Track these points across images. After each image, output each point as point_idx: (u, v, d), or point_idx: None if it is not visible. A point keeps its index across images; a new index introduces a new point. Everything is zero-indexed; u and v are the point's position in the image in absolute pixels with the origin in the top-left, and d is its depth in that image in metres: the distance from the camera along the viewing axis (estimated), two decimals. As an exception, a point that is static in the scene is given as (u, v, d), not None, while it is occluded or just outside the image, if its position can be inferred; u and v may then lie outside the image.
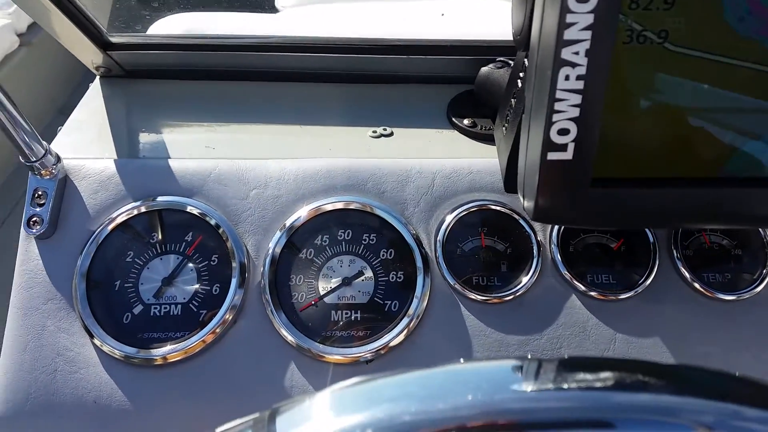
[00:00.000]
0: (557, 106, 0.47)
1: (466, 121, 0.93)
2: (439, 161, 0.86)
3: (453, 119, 0.95)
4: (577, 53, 0.47)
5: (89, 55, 0.97)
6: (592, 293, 0.80)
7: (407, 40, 0.97)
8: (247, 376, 0.74)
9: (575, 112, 0.48)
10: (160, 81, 1.01)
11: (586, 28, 0.46)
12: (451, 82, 1.01)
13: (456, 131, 0.95)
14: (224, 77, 1.01)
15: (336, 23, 1.32)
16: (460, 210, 0.83)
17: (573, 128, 0.48)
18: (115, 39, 0.96)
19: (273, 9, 1.73)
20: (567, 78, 0.47)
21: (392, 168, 0.85)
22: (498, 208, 0.83)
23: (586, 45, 0.46)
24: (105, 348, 0.74)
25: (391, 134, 0.93)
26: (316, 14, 1.49)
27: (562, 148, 0.49)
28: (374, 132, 0.93)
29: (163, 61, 0.99)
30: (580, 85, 0.47)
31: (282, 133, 0.93)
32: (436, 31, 1.15)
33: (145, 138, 0.91)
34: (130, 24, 1.38)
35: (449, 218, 0.82)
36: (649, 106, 0.51)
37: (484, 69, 0.90)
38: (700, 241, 0.85)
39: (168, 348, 0.75)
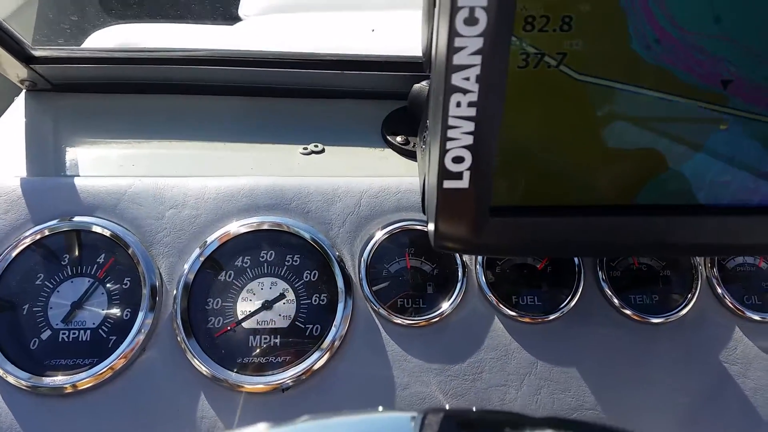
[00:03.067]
0: (450, 133, 0.46)
1: (399, 138, 0.92)
2: (367, 180, 0.84)
3: (387, 136, 0.93)
4: (467, 79, 0.45)
5: (13, 68, 0.93)
6: (517, 316, 0.79)
7: (340, 55, 0.95)
8: (157, 407, 0.71)
9: (469, 140, 0.46)
10: (88, 95, 0.97)
11: (475, 53, 0.44)
12: (386, 98, 1.00)
13: (389, 149, 0.93)
14: (153, 91, 0.98)
15: (276, 36, 1.30)
16: (385, 230, 0.81)
17: (468, 156, 0.47)
18: (38, 53, 0.92)
19: (234, 20, 1.71)
20: (459, 105, 0.46)
21: (318, 186, 0.83)
22: (424, 228, 0.81)
23: (477, 70, 0.45)
24: (7, 377, 0.71)
25: (323, 151, 0.91)
26: (272, 26, 1.47)
27: (458, 176, 0.47)
28: (305, 149, 0.91)
29: (90, 74, 0.96)
30: (472, 112, 0.46)
31: (208, 150, 0.91)
32: (370, 46, 1.13)
33: (64, 155, 0.87)
34: (70, 35, 1.34)
35: (375, 238, 0.81)
36: (548, 133, 0.50)
37: (416, 86, 0.88)
38: (627, 262, 0.84)
39: (76, 376, 0.71)
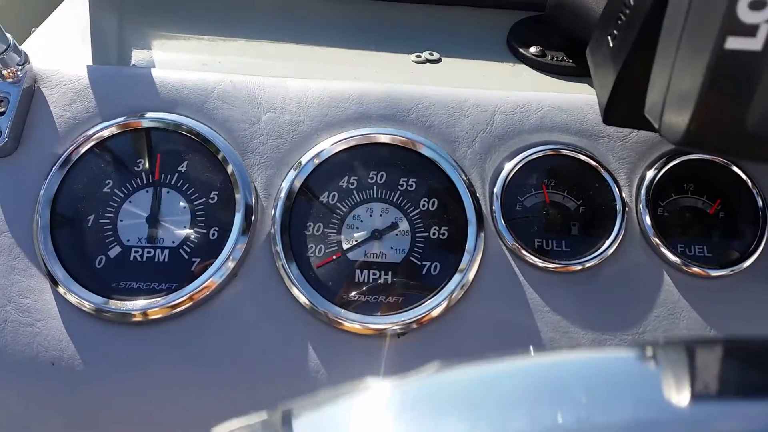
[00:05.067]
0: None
1: (532, 49, 0.76)
2: (500, 93, 0.68)
3: (516, 47, 0.77)
4: None
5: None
6: (687, 268, 0.63)
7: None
8: (245, 340, 0.58)
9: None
10: None
11: None
12: (508, 7, 0.84)
13: (518, 62, 0.77)
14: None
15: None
16: (524, 155, 0.66)
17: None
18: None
19: None
20: None
21: (442, 98, 0.67)
22: (574, 154, 0.66)
23: None
24: (70, 297, 0.58)
25: (439, 60, 0.76)
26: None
27: (750, 31, 0.32)
28: (418, 56, 0.76)
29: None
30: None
31: (304, 55, 0.76)
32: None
33: (135, 47, 0.74)
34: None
35: (510, 164, 0.66)
36: None
37: (562, -17, 0.72)
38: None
39: (149, 301, 0.58)
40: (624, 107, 0.50)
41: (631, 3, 0.48)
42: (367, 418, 0.23)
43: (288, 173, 0.64)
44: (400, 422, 0.22)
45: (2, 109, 0.62)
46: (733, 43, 0.32)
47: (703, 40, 0.34)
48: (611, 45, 0.51)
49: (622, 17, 0.49)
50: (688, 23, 0.36)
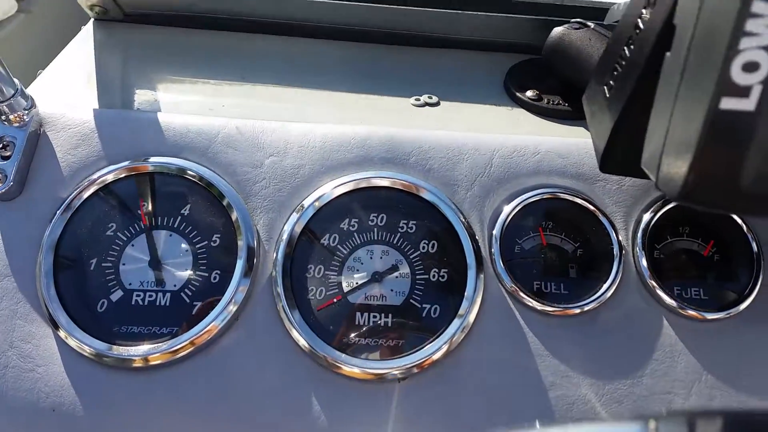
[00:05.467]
0: (750, 25, 0.31)
1: (529, 93, 0.77)
2: (498, 137, 0.70)
3: (513, 91, 0.79)
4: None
5: (83, -10, 0.81)
6: (683, 311, 0.64)
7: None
8: (246, 385, 0.58)
9: (772, 38, 0.32)
10: (163, 28, 0.85)
11: None
12: (505, 50, 0.85)
13: (515, 106, 0.79)
14: (239, 28, 0.85)
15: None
16: (522, 198, 0.67)
17: (766, 63, 0.33)
18: (113, -27, 0.80)
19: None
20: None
21: (442, 141, 0.69)
22: (571, 197, 0.67)
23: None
24: (71, 342, 0.58)
25: (438, 103, 0.78)
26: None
27: (744, 92, 0.33)
28: (417, 100, 0.77)
29: (168, 4, 0.83)
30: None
31: (306, 98, 0.77)
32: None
33: (140, 90, 0.75)
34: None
35: (509, 207, 0.67)
36: None
37: (557, 29, 0.74)
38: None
39: (151, 347, 0.59)
40: (620, 156, 0.51)
41: (628, 55, 0.50)
42: None
43: (290, 216, 0.64)
44: None
45: (8, 153, 0.63)
46: (728, 103, 0.34)
47: (699, 99, 0.35)
48: (607, 95, 0.52)
49: (618, 68, 0.51)
50: (684, 82, 0.37)
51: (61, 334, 0.58)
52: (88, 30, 0.84)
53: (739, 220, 0.67)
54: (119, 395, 0.57)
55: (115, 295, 0.61)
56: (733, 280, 0.67)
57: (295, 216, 0.64)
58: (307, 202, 0.65)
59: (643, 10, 0.47)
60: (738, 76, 0.33)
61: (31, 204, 0.63)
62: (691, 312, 0.64)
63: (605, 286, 0.64)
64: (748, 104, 0.33)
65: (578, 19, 0.75)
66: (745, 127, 0.34)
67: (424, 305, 0.64)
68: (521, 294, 0.64)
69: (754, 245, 0.66)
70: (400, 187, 0.66)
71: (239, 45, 0.83)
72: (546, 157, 0.68)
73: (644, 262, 0.65)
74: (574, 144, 0.69)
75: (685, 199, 0.38)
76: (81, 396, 0.57)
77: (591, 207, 0.67)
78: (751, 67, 0.33)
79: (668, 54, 0.40)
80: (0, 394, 0.57)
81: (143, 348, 0.58)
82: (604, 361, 0.62)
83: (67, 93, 0.72)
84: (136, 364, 0.58)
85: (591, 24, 0.73)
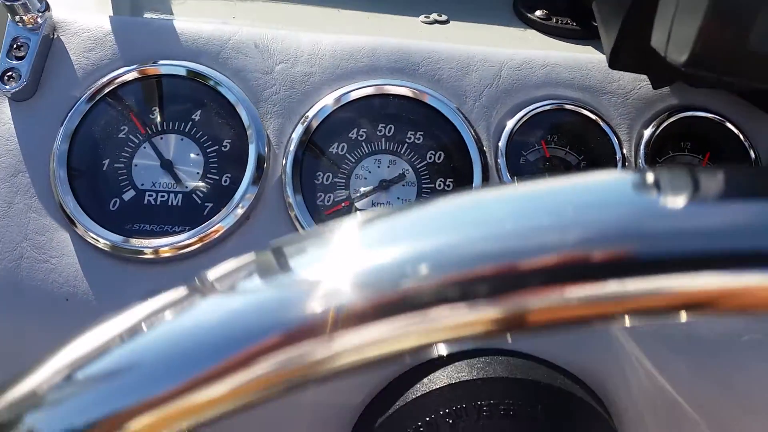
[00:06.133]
0: None
1: (538, 13, 0.77)
2: (508, 50, 0.70)
3: (522, 11, 0.79)
4: None
5: None
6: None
7: None
8: None
9: None
10: None
11: None
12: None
13: (525, 26, 0.79)
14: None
15: None
16: (528, 109, 0.67)
17: None
18: None
19: None
20: None
21: (451, 53, 0.69)
22: (578, 109, 0.68)
23: None
24: (85, 234, 0.60)
25: (447, 21, 0.78)
26: None
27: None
28: (426, 17, 0.77)
29: None
30: None
31: (315, 15, 0.78)
32: None
33: (152, 2, 0.75)
34: None
35: (515, 118, 0.67)
36: None
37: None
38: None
39: (161, 241, 0.60)
40: (629, 51, 0.52)
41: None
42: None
43: (299, 123, 0.65)
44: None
45: (22, 54, 0.64)
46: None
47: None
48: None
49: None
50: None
51: (75, 227, 0.60)
52: None
53: (737, 131, 0.68)
54: (130, 284, 0.59)
55: (128, 194, 0.63)
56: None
57: (303, 123, 0.65)
58: (315, 109, 0.66)
59: None
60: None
61: (45, 103, 0.64)
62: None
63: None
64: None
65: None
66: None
67: (429, 213, 0.65)
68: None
69: (752, 153, 0.67)
70: (408, 95, 0.67)
71: None
72: (554, 70, 0.69)
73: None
74: (582, 58, 0.69)
75: (694, 66, 0.39)
76: (93, 285, 0.59)
77: (596, 118, 0.67)
78: None
79: None
80: (15, 284, 0.58)
81: (155, 242, 0.60)
82: None
83: (81, 1, 0.72)
84: (147, 256, 0.60)
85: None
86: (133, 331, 0.23)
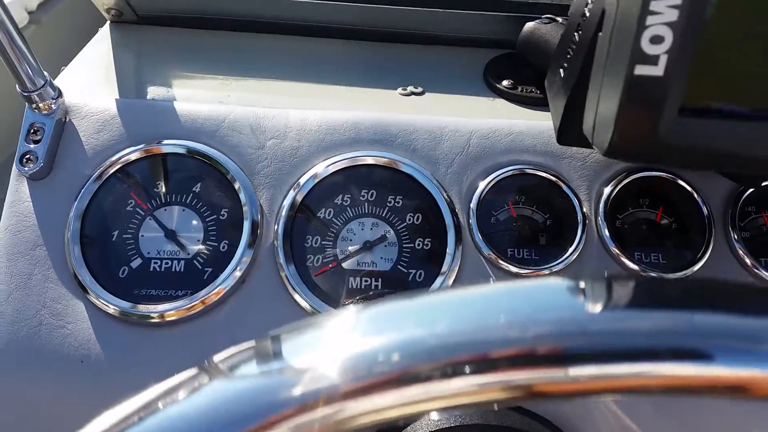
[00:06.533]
0: (653, 5, 0.39)
1: (505, 83, 0.85)
2: (476, 120, 0.78)
3: (491, 81, 0.87)
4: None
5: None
6: (644, 273, 0.72)
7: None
8: (251, 338, 0.66)
9: (673, 15, 0.40)
10: (174, 29, 0.93)
11: None
12: (484, 45, 0.94)
13: (493, 96, 0.87)
14: (243, 28, 0.93)
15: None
16: (496, 174, 0.75)
17: (669, 36, 0.40)
18: (127, -21, 0.88)
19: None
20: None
21: (425, 125, 0.77)
22: (540, 173, 0.75)
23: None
24: (97, 302, 0.66)
25: (423, 93, 0.86)
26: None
27: (653, 60, 0.41)
28: (404, 90, 0.85)
29: (177, 7, 0.92)
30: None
31: (302, 91, 0.86)
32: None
33: (154, 83, 0.83)
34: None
35: (484, 182, 0.74)
36: (760, 29, 0.43)
37: (529, 24, 0.82)
38: (758, 222, 0.77)
39: (167, 305, 0.66)
40: (573, 129, 0.59)
41: (577, 40, 0.58)
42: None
43: (289, 192, 0.72)
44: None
45: (38, 138, 0.71)
46: (641, 69, 0.42)
47: (619, 68, 0.43)
48: (562, 76, 0.60)
49: (570, 52, 0.59)
50: (609, 57, 0.45)
51: (88, 295, 0.66)
52: (105, 31, 0.93)
53: (690, 189, 0.75)
54: (139, 347, 0.65)
55: (135, 262, 0.69)
56: (689, 244, 0.75)
57: (293, 192, 0.72)
58: (303, 179, 0.73)
59: (589, 0, 0.55)
60: (647, 47, 0.41)
61: (58, 182, 0.71)
62: (651, 274, 0.72)
63: (570, 250, 0.72)
64: (657, 70, 0.41)
65: (548, 15, 0.83)
66: (656, 89, 0.42)
67: (410, 270, 0.72)
68: (498, 260, 0.71)
69: (705, 210, 0.74)
70: (386, 165, 0.74)
71: (243, 43, 0.92)
72: (518, 138, 0.76)
73: (606, 231, 0.73)
74: (543, 126, 0.77)
75: (612, 155, 0.46)
76: (105, 348, 0.65)
77: (558, 181, 0.74)
78: (657, 39, 0.41)
79: (600, 34, 0.47)
80: (35, 348, 0.64)
81: (160, 307, 0.66)
82: None
83: (89, 85, 0.80)
84: (154, 320, 0.66)
85: (560, 19, 0.82)
86: (150, 410, 0.29)
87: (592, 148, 0.57)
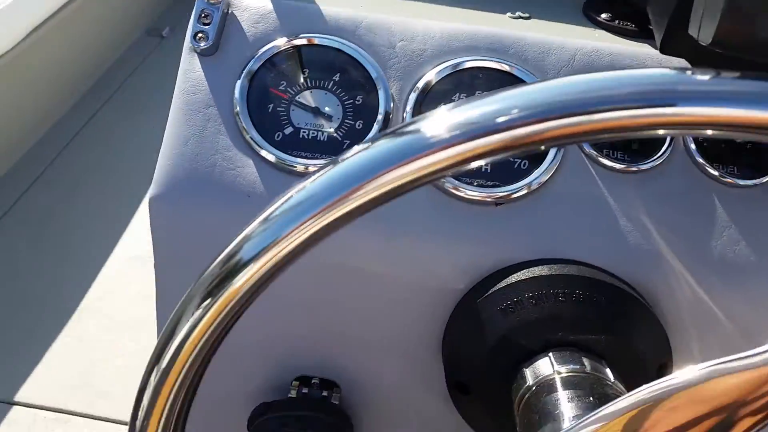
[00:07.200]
0: None
1: (604, 15, 0.96)
2: (580, 41, 0.88)
3: (591, 14, 0.98)
4: None
5: None
6: (723, 179, 0.81)
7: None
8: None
9: None
10: None
11: None
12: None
13: (592, 26, 0.97)
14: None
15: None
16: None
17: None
18: None
19: None
20: None
21: (534, 41, 0.88)
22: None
23: None
24: (261, 151, 0.79)
25: (529, 18, 0.97)
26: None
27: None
28: (512, 14, 0.97)
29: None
30: None
31: (422, 10, 0.97)
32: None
33: None
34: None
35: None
36: None
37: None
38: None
39: (312, 162, 0.80)
40: (677, 37, 0.69)
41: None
42: None
43: (416, 84, 0.84)
44: None
45: (208, 21, 0.84)
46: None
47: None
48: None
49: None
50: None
51: (253, 146, 0.79)
52: None
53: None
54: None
55: (287, 129, 0.82)
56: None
57: (420, 84, 0.84)
58: (428, 76, 0.84)
59: None
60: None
61: (224, 61, 0.84)
62: (728, 179, 0.82)
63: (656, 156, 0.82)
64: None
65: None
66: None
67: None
68: (598, 157, 0.82)
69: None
70: (501, 69, 0.85)
71: None
72: (617, 58, 0.87)
73: (692, 144, 0.83)
74: (641, 51, 0.87)
75: (718, 45, 0.57)
76: (267, 188, 0.79)
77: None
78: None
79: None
80: (212, 182, 0.78)
81: (307, 162, 0.79)
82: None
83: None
84: (299, 170, 0.79)
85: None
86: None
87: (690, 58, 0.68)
